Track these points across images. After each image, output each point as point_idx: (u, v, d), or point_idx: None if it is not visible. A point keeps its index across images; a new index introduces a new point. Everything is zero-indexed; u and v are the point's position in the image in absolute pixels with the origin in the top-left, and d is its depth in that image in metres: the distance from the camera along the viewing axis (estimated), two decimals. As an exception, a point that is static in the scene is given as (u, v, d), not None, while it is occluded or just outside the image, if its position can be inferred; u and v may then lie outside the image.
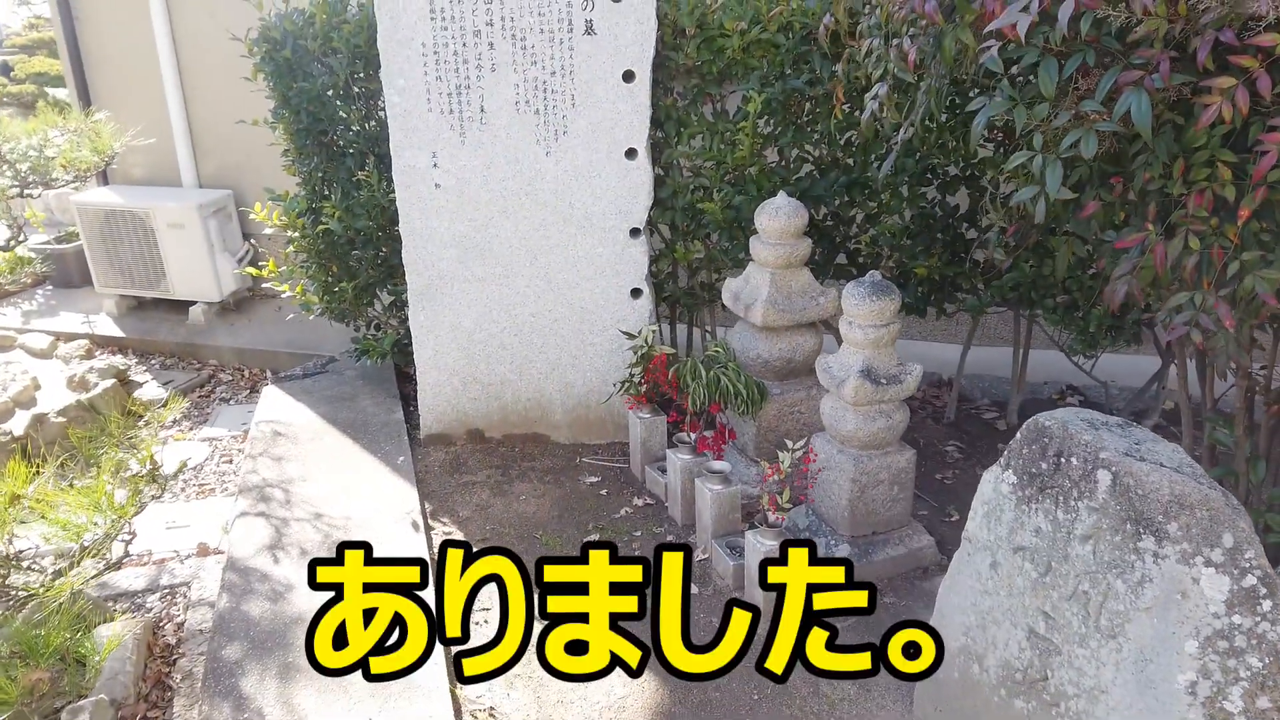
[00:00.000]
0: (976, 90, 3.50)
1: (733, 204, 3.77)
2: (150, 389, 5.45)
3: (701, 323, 4.37)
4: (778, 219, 3.39)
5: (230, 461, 4.54)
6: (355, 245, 4.28)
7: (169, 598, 3.49)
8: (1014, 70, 2.58)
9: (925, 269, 3.81)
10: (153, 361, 5.84)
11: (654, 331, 3.63)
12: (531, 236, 3.82)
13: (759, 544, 2.91)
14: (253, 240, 6.11)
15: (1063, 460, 1.95)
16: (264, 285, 4.42)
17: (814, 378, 3.64)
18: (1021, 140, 2.34)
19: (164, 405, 5.19)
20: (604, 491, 3.77)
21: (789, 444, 3.01)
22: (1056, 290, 3.72)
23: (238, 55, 4.15)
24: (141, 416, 5.13)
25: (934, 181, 3.74)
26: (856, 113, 3.65)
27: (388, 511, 3.60)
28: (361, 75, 4.00)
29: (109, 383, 5.00)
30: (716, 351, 3.34)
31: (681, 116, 3.81)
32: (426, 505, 3.70)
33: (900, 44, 2.52)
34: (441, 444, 4.13)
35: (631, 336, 3.81)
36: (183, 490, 4.32)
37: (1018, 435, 2.10)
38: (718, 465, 3.27)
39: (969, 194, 3.81)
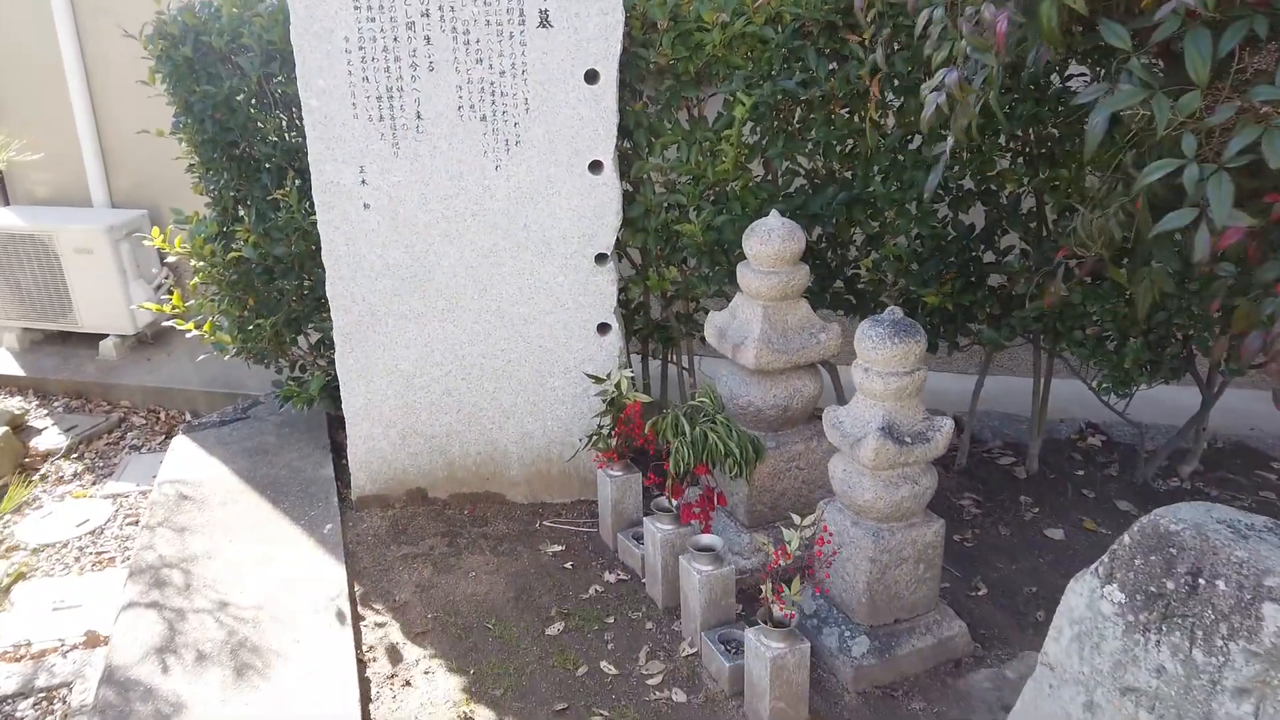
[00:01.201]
0: (1061, 76, 3.00)
1: (714, 225, 3.23)
2: (50, 436, 4.77)
3: (677, 358, 3.83)
4: (770, 243, 2.86)
5: (136, 523, 3.89)
6: (274, 275, 3.68)
7: (44, 704, 2.86)
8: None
9: (936, 297, 3.30)
10: (56, 404, 5.15)
11: (629, 376, 3.08)
12: (480, 264, 3.25)
13: (764, 646, 2.35)
14: (167, 267, 5.46)
15: (1202, 582, 1.43)
16: (166, 323, 3.81)
17: (814, 425, 3.11)
18: (1141, 140, 1.79)
19: (63, 456, 4.53)
20: (569, 564, 3.20)
21: (795, 518, 2.47)
22: (1086, 320, 3.23)
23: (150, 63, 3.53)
24: (38, 469, 4.46)
25: (945, 198, 3.24)
26: (855, 118, 3.13)
27: (309, 596, 2.99)
28: (279, 77, 3.41)
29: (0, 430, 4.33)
30: (702, 401, 2.80)
31: (653, 124, 3.27)
32: (357, 587, 3.10)
33: (978, 12, 1.93)
34: (377, 507, 3.53)
35: (599, 380, 3.25)
36: (77, 561, 3.67)
37: (1126, 539, 1.57)
38: (707, 540, 2.71)
39: (985, 210, 3.31)
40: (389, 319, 3.30)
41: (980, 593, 2.98)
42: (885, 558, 2.54)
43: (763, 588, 2.42)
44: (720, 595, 2.70)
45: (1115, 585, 1.57)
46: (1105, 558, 1.61)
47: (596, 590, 3.05)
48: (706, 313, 3.76)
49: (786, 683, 2.37)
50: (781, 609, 2.36)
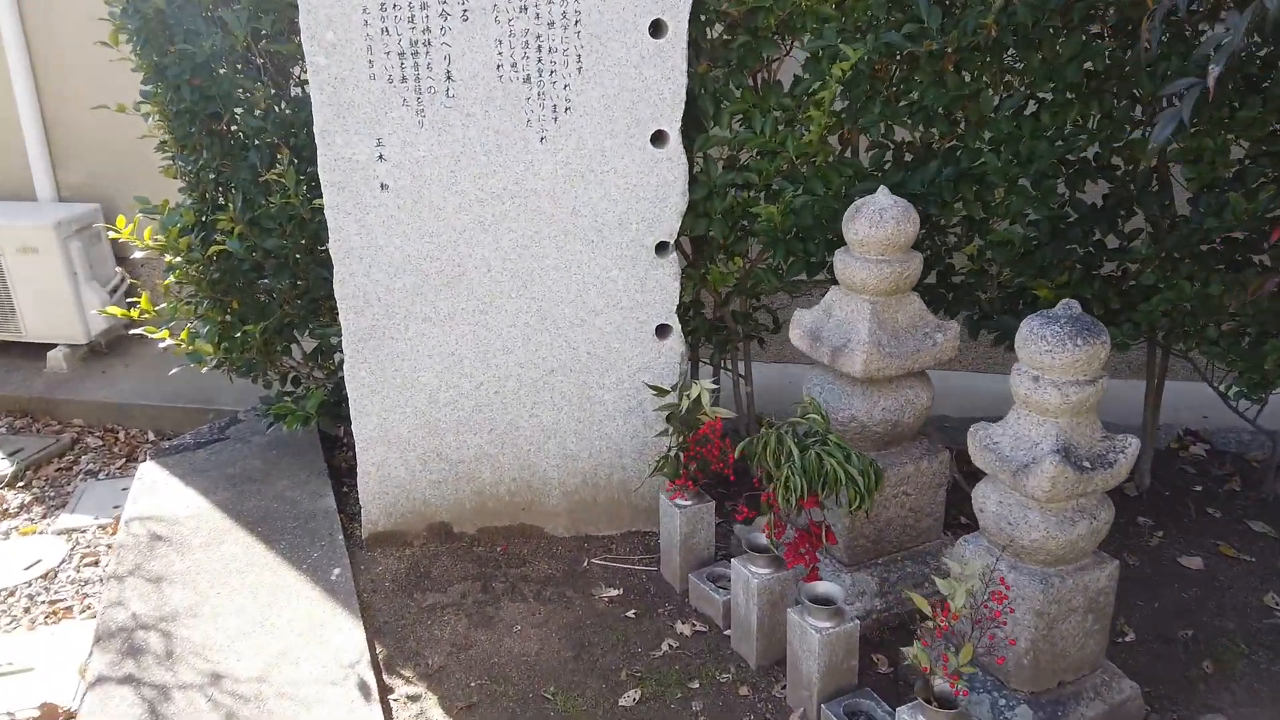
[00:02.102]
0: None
1: (793, 208, 2.74)
2: (-9, 462, 4.13)
3: (733, 364, 3.32)
4: (882, 225, 2.38)
5: (96, 564, 3.29)
6: (264, 272, 3.11)
7: (-11, 804, 2.28)
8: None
9: (1050, 290, 2.84)
10: (-2, 424, 4.51)
11: (710, 388, 2.57)
12: (519, 256, 2.72)
13: (925, 731, 1.86)
14: (124, 268, 4.83)
15: None
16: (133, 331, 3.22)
17: (921, 442, 2.63)
18: None
19: (6, 484, 3.90)
20: (631, 612, 2.68)
21: (953, 565, 1.98)
22: (1222, 316, 2.79)
23: (108, 27, 2.94)
24: (-23, 501, 3.83)
25: (1065, 172, 2.77)
26: (969, 77, 2.66)
27: (322, 663, 2.44)
28: (268, 33, 2.85)
29: (-75, 461, 3.69)
30: (812, 418, 2.30)
31: (719, 89, 2.77)
32: (378, 648, 2.56)
33: None
34: (393, 546, 2.98)
35: (662, 391, 2.74)
36: (27, 612, 3.06)
37: None
38: (824, 589, 2.22)
39: (1109, 188, 2.86)
40: (410, 322, 2.76)
41: (1128, 639, 2.52)
42: (1054, 609, 2.06)
43: (913, 652, 1.92)
44: (843, 658, 2.20)
45: None
46: None
47: (670, 646, 2.54)
48: (766, 311, 3.28)
49: (954, 775, 1.88)
50: (947, 680, 1.87)
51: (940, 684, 1.89)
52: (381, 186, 2.62)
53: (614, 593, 2.77)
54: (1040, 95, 2.69)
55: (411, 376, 2.81)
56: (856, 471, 2.21)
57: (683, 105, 2.63)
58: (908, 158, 2.88)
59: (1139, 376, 3.35)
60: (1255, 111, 2.53)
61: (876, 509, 2.55)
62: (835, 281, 2.56)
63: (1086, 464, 2.00)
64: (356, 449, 2.87)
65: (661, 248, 2.77)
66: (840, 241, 2.57)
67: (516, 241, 2.71)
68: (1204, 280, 2.71)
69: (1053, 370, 1.97)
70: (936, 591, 2.63)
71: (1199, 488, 3.21)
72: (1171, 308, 2.75)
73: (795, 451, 2.22)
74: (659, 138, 2.66)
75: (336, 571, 2.82)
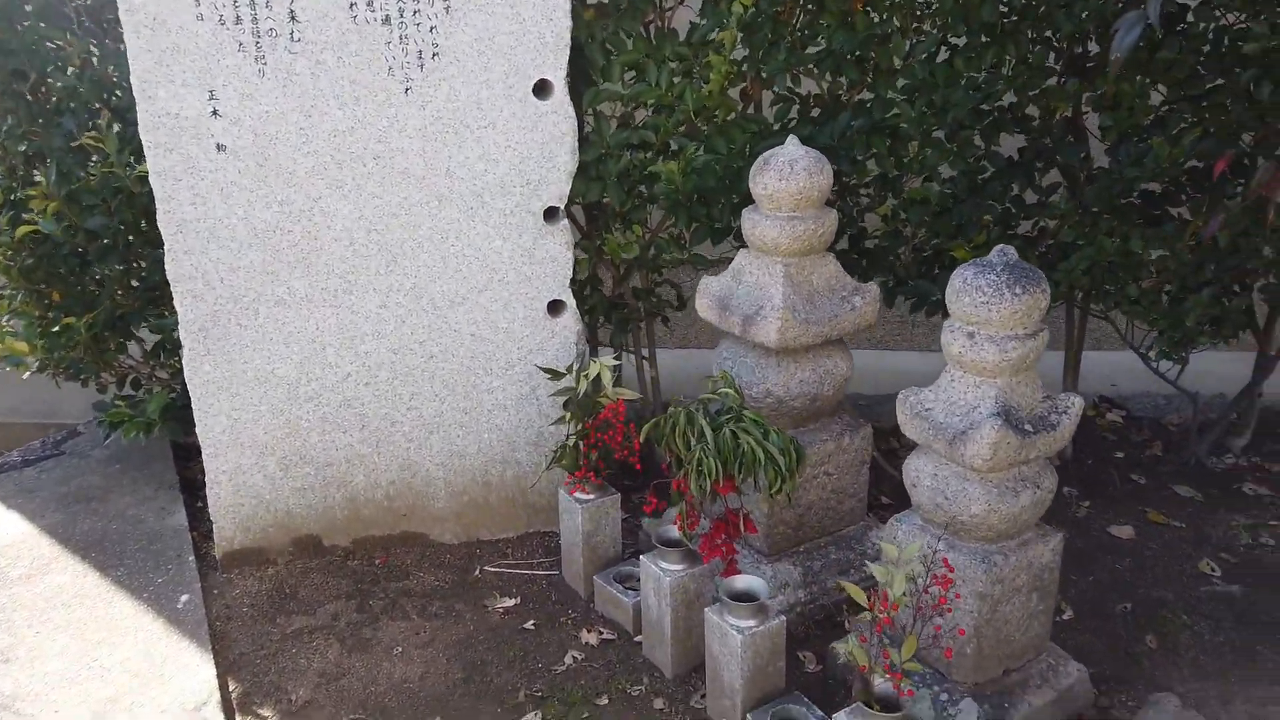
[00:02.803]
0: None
1: (695, 167, 2.48)
2: None
3: (635, 346, 3.05)
4: (793, 178, 2.14)
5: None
6: (88, 256, 2.68)
7: None
8: None
9: (967, 251, 2.66)
10: None
11: (611, 366, 2.28)
12: (387, 226, 2.39)
13: (868, 741, 1.62)
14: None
15: None
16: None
17: (842, 418, 2.41)
18: None
19: None
20: (530, 623, 2.38)
21: (890, 547, 1.74)
22: (1143, 273, 2.66)
23: None
24: None
25: (978, 125, 2.59)
26: (880, 19, 2.46)
27: (160, 709, 2.06)
28: (79, -25, 2.44)
29: None
30: (724, 393, 2.04)
31: (609, 38, 2.50)
32: (232, 684, 2.19)
33: None
34: (253, 565, 2.60)
35: (557, 374, 2.44)
36: None
37: None
38: (744, 583, 1.96)
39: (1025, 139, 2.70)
40: (260, 306, 2.39)
41: (1066, 616, 2.35)
42: (997, 590, 1.85)
43: (847, 649, 1.68)
44: (768, 659, 1.95)
45: None
46: None
47: (575, 658, 2.25)
48: (670, 286, 3.02)
49: (902, 788, 1.64)
50: (889, 680, 1.63)
51: (881, 684, 1.65)
52: (218, 147, 2.25)
53: (510, 602, 2.46)
54: (954, 40, 2.50)
55: (266, 369, 2.44)
56: (776, 450, 1.96)
57: (567, 50, 2.35)
58: (814, 112, 2.66)
59: (1054, 345, 3.23)
60: (1175, 53, 2.40)
61: (797, 492, 2.31)
62: (744, 246, 2.31)
63: (1028, 427, 1.79)
64: (204, 455, 2.48)
65: (550, 214, 2.48)
66: (747, 206, 2.32)
67: (383, 209, 2.38)
68: (1124, 236, 2.57)
69: (990, 324, 1.75)
70: (866, 578, 2.42)
71: (1120, 455, 3.10)
72: (1092, 265, 2.60)
73: (708, 430, 1.96)
74: (542, 88, 2.37)
75: (185, 598, 2.43)
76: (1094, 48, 2.60)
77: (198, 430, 2.46)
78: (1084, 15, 2.38)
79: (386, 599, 2.48)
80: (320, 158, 2.31)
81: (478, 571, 2.58)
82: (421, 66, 2.28)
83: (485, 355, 2.54)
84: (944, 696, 1.92)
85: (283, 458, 2.52)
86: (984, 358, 1.76)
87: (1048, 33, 2.51)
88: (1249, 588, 2.43)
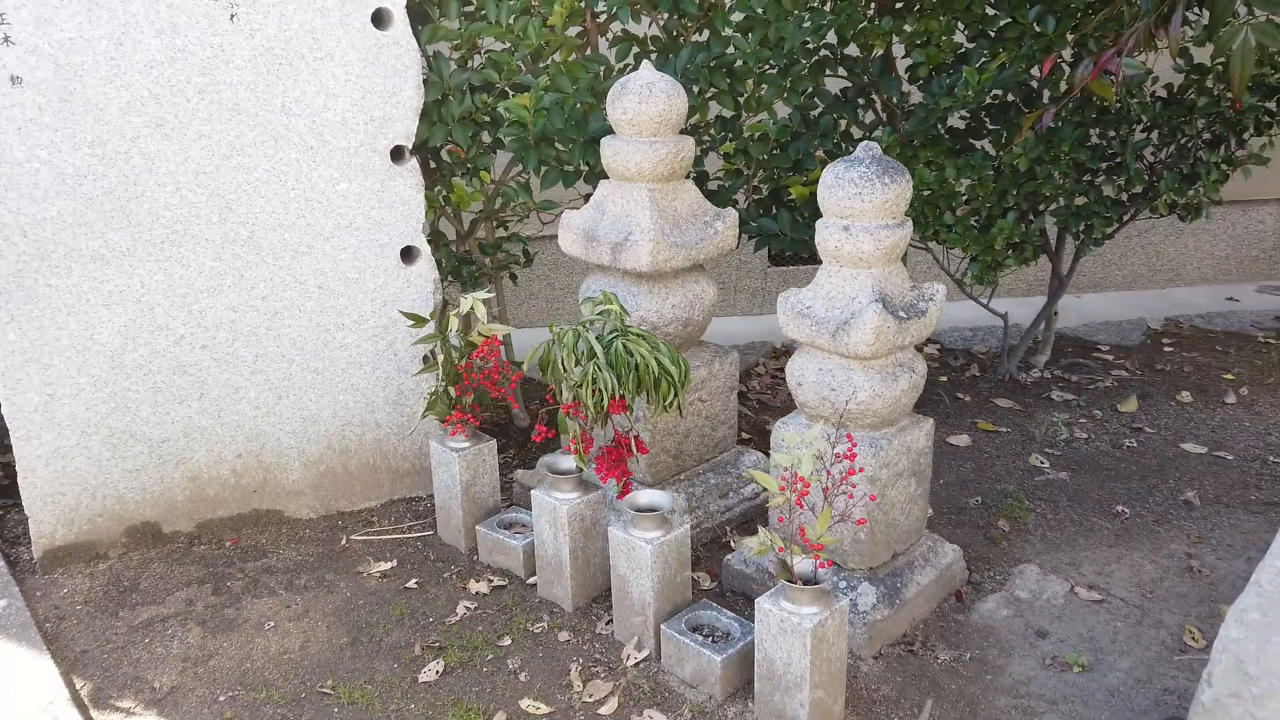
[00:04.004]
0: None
1: (543, 104, 2.45)
2: None
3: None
4: (652, 100, 2.16)
5: None
6: None
7: None
8: None
9: (804, 187, 2.79)
10: None
11: (482, 298, 2.19)
12: (218, 169, 2.19)
13: (794, 615, 1.65)
14: None
15: None
16: None
17: (708, 347, 2.45)
18: None
19: None
20: (411, 582, 2.25)
21: (792, 434, 1.78)
22: (957, 201, 2.90)
23: None
24: None
25: (806, 62, 2.72)
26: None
27: (3, 714, 1.78)
28: None
29: None
30: (606, 309, 2.01)
31: (444, -26, 2.42)
32: (80, 683, 1.92)
33: None
34: (80, 562, 2.30)
35: (419, 320, 2.33)
36: None
37: None
38: (649, 497, 1.94)
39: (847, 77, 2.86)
40: (73, 263, 2.13)
41: (929, 515, 2.49)
42: (885, 474, 1.95)
43: (759, 541, 1.71)
44: (676, 570, 1.94)
45: None
46: None
47: (468, 608, 2.14)
48: (517, 240, 2.96)
49: (827, 659, 1.68)
50: (813, 558, 1.67)
51: (800, 562, 1.68)
52: (12, 80, 1.98)
53: (386, 566, 2.31)
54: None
55: (84, 335, 2.17)
56: (669, 361, 1.96)
57: (407, -24, 2.25)
58: (652, 54, 2.69)
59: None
60: (972, -10, 2.62)
61: (674, 421, 2.33)
62: (604, 178, 2.30)
63: (902, 314, 1.89)
64: (13, 439, 2.17)
65: (398, 153, 2.37)
66: (596, 151, 2.32)
67: (212, 150, 2.18)
68: (940, 166, 2.78)
69: (863, 215, 1.84)
70: (744, 500, 2.48)
71: (944, 379, 3.34)
72: (913, 195, 2.80)
73: (598, 347, 1.93)
74: (381, 18, 2.26)
75: (2, 604, 2.11)
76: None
77: (3, 410, 2.15)
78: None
79: (246, 579, 2.26)
80: (136, 92, 2.08)
81: (344, 541, 2.42)
82: (249, -8, 2.12)
83: (335, 309, 2.39)
84: (843, 584, 1.99)
85: (109, 436, 2.25)
86: (860, 248, 1.84)
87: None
88: (1075, 474, 2.69)
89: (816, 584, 1.66)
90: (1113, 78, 2.06)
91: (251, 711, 1.84)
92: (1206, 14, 2.62)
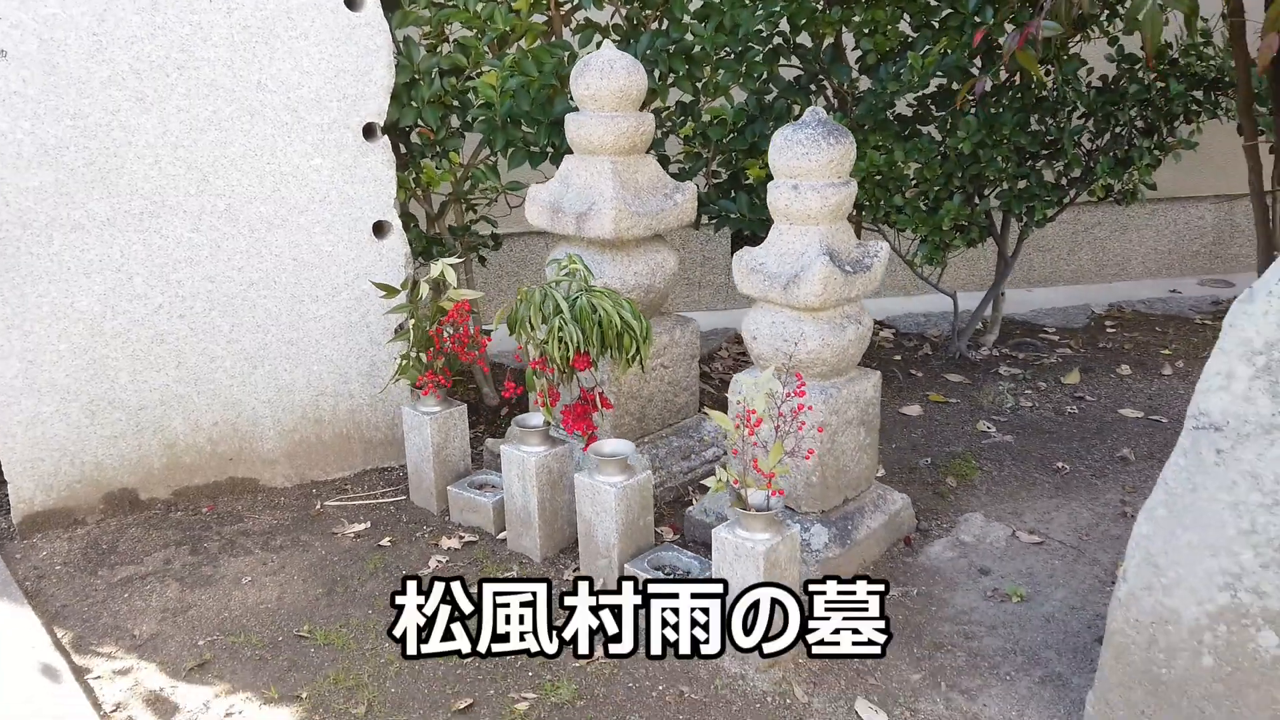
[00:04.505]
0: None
1: (507, 89, 2.57)
2: None
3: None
4: (614, 76, 2.28)
5: None
6: None
7: None
8: None
9: (760, 170, 2.92)
10: None
11: (451, 264, 2.29)
12: (195, 143, 2.28)
13: (749, 541, 1.75)
14: None
15: None
16: None
17: (669, 315, 2.56)
18: None
19: None
20: (385, 540, 2.33)
21: (747, 380, 1.89)
22: (906, 184, 3.04)
23: None
24: None
25: (760, 50, 2.86)
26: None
27: (-22, 663, 1.83)
28: None
29: None
30: (572, 270, 2.12)
31: (413, -38, 2.54)
32: (60, 632, 1.98)
33: None
34: (59, 528, 2.35)
35: (391, 290, 2.42)
36: None
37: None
38: (613, 446, 2.05)
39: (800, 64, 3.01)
40: (54, 232, 2.20)
41: (880, 474, 2.61)
42: (835, 421, 2.06)
43: (720, 470, 1.82)
44: (639, 514, 2.04)
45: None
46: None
47: (440, 561, 2.23)
48: (487, 222, 3.07)
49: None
50: (766, 490, 1.78)
51: (755, 494, 1.79)
52: (-4, 53, 2.07)
53: (360, 527, 2.39)
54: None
55: (64, 303, 2.24)
56: (630, 315, 2.07)
57: (378, -39, 2.36)
58: (615, 40, 2.82)
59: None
60: (912, -18, 2.78)
61: (638, 384, 2.43)
62: (567, 156, 2.42)
63: (849, 268, 2.02)
64: (-7, 404, 2.23)
65: (369, 131, 2.47)
66: (561, 132, 2.43)
67: (190, 124, 2.27)
68: (889, 150, 2.93)
69: (811, 174, 1.96)
70: (705, 462, 2.59)
71: (898, 358, 3.48)
72: (864, 178, 2.94)
73: (564, 304, 2.03)
74: None
75: (-20, 565, 2.16)
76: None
77: (-16, 375, 2.21)
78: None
79: (223, 540, 2.33)
80: (117, 66, 2.17)
81: (319, 506, 2.49)
82: (227, -28, 2.21)
83: (309, 281, 2.48)
84: (797, 527, 2.09)
85: (89, 403, 2.32)
86: (808, 206, 1.97)
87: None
88: (1019, 437, 2.83)
89: (766, 512, 1.77)
90: (1036, 52, 2.20)
91: (230, 653, 1.91)
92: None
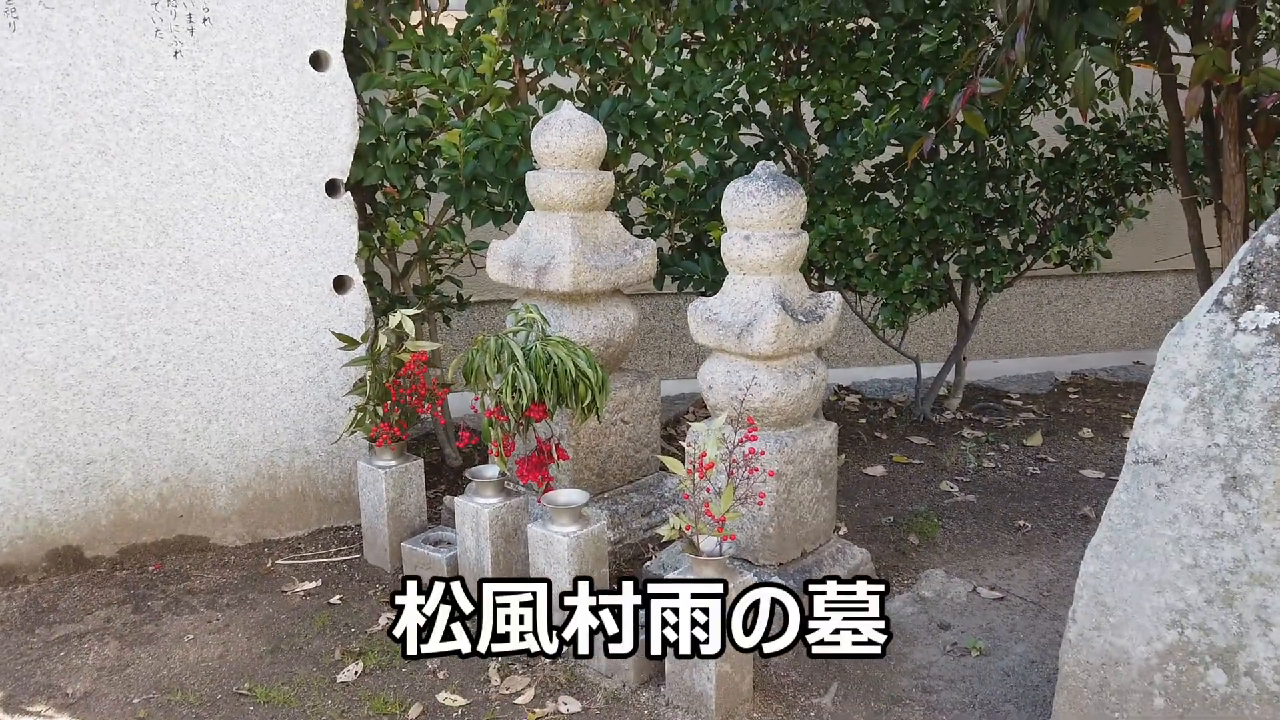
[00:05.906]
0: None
1: (470, 151, 2.61)
2: None
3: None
4: (573, 134, 2.33)
5: None
6: None
7: None
8: None
9: (721, 230, 2.97)
10: None
11: (411, 314, 2.29)
12: (156, 196, 2.30)
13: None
14: None
15: None
16: None
17: (630, 371, 2.57)
18: None
19: None
20: (335, 598, 2.27)
21: (700, 427, 1.89)
22: (865, 248, 3.09)
23: None
24: None
25: (721, 116, 2.93)
26: (635, 13, 2.75)
27: (-103, 721, 1.75)
28: None
29: None
30: (528, 318, 2.12)
31: (381, 29, 2.61)
32: (-12, 692, 1.90)
33: None
34: (-2, 584, 2.29)
35: (351, 342, 2.41)
36: None
37: (1249, 257, 1.25)
38: (566, 497, 2.02)
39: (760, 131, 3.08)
40: (8, 281, 2.19)
41: (842, 532, 2.60)
42: (791, 471, 2.06)
43: (673, 518, 1.80)
44: (593, 565, 2.01)
45: (1263, 306, 1.24)
46: (1226, 283, 1.29)
47: (390, 619, 2.17)
48: (451, 283, 3.08)
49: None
50: (716, 536, 1.76)
51: (707, 540, 1.77)
52: (-41, 104, 2.09)
53: (310, 585, 2.33)
54: (696, 35, 2.85)
55: (15, 353, 2.22)
56: (586, 365, 2.07)
57: (343, 24, 2.42)
58: (579, 106, 2.89)
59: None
60: (869, 53, 2.88)
61: (598, 438, 2.42)
62: (528, 212, 2.45)
63: (801, 317, 2.04)
64: (-65, 456, 2.19)
65: (332, 187, 2.49)
66: (523, 192, 2.48)
67: (152, 177, 2.28)
68: (847, 214, 2.99)
69: (762, 225, 2.00)
70: (664, 520, 2.55)
71: (863, 420, 3.49)
72: (824, 242, 2.99)
73: (518, 352, 2.04)
74: (319, 60, 2.42)
75: (-89, 623, 2.08)
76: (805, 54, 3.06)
77: (-73, 426, 2.17)
78: (795, 18, 2.80)
79: (168, 598, 2.26)
80: (80, 120, 2.19)
81: (270, 564, 2.43)
82: (192, 31, 2.26)
83: (268, 334, 2.47)
84: (753, 575, 2.06)
85: (35, 456, 2.27)
86: (760, 255, 2.00)
87: (771, 33, 2.91)
88: (981, 496, 2.82)
89: (714, 558, 1.74)
90: (980, 112, 2.27)
91: (165, 712, 1.84)
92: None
